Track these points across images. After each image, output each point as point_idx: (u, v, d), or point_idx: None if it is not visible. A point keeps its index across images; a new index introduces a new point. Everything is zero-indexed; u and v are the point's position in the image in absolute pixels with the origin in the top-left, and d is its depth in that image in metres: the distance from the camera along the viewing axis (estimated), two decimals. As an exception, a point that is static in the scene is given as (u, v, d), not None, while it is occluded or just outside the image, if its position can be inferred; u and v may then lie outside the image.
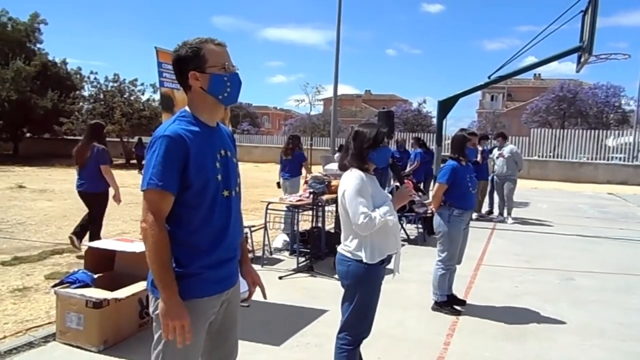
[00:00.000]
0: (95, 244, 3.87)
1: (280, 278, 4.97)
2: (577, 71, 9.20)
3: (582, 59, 8.44)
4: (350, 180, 2.49)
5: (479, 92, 44.61)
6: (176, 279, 1.65)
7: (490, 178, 9.65)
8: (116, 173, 20.35)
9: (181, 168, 1.63)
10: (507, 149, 9.18)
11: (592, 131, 22.73)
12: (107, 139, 24.42)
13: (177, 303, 1.62)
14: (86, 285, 3.38)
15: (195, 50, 1.71)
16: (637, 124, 27.58)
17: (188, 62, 1.71)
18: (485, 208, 9.76)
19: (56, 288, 3.39)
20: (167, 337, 1.63)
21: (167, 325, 1.62)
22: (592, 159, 21.51)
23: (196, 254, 1.70)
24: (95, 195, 5.61)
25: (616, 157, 21.65)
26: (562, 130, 24.03)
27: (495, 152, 9.32)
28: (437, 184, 4.27)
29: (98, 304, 3.19)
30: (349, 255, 2.52)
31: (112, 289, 3.37)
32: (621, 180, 19.32)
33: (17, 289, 4.40)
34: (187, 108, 1.77)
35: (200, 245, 1.70)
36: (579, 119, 34.07)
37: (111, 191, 5.79)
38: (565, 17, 8.23)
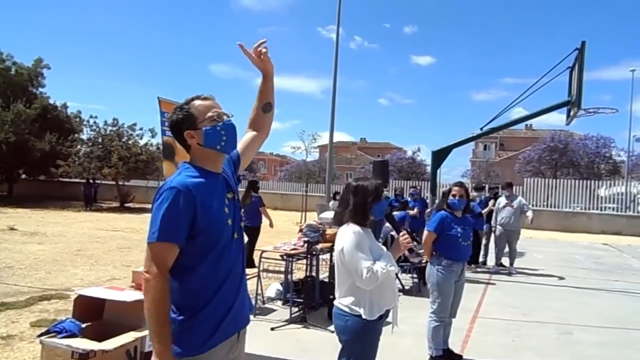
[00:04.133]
0: (85, 291, 3.80)
1: (272, 329, 4.85)
2: (567, 124, 9.44)
3: (572, 113, 8.67)
4: (348, 236, 2.47)
5: (472, 142, 45.40)
6: (177, 334, 1.64)
7: (487, 228, 9.62)
8: (110, 216, 20.08)
9: (189, 218, 1.64)
10: (517, 200, 9.15)
11: (584, 181, 22.99)
12: (103, 182, 24.70)
13: (170, 358, 1.61)
14: (73, 335, 3.29)
15: (185, 111, 1.78)
16: (628, 175, 28.02)
17: (181, 124, 1.78)
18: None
19: (42, 337, 3.29)
20: None
21: None
22: (585, 209, 21.65)
23: (199, 306, 1.68)
24: (253, 229, 8.30)
25: (609, 207, 21.81)
26: (554, 180, 24.30)
27: (502, 201, 9.21)
28: (425, 232, 4.32)
29: (84, 356, 3.08)
30: (347, 310, 2.48)
31: (100, 339, 3.27)
32: (615, 230, 19.37)
33: (1, 337, 4.27)
34: (188, 163, 1.81)
35: (204, 295, 1.69)
36: (570, 169, 34.54)
37: (265, 221, 8.73)
38: (553, 72, 8.53)
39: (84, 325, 3.43)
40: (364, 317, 2.42)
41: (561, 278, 8.70)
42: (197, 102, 1.79)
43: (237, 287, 1.79)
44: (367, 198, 2.54)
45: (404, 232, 2.42)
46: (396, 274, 6.73)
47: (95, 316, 3.69)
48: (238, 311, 1.79)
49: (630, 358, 4.55)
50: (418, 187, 11.77)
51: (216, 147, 1.78)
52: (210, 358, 1.69)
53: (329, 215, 6.33)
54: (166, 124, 3.62)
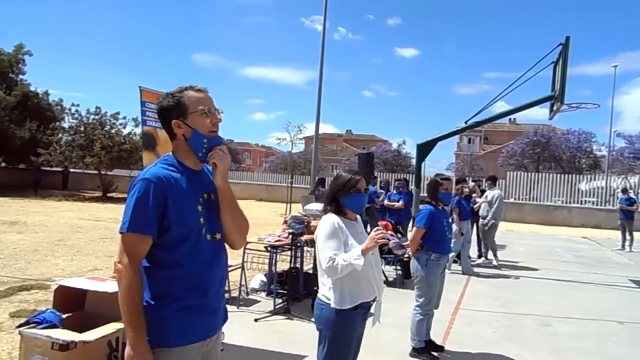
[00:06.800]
0: (66, 282, 3.74)
1: (256, 320, 4.85)
2: (550, 119, 9.54)
3: (555, 107, 8.76)
4: (324, 224, 2.52)
5: (457, 135, 45.76)
6: (151, 324, 1.63)
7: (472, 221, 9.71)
8: (93, 206, 19.81)
9: (160, 210, 1.63)
10: (492, 193, 9.27)
11: (566, 175, 23.40)
12: (85, 171, 24.28)
13: (144, 349, 1.61)
14: (53, 326, 3.24)
15: (177, 99, 1.76)
16: (609, 169, 28.57)
17: (171, 112, 1.76)
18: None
19: (21, 328, 3.24)
20: None
21: None
22: (566, 203, 22.04)
23: (172, 297, 1.67)
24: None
25: (589, 201, 22.23)
26: (537, 174, 24.67)
27: (489, 195, 9.27)
28: (415, 228, 4.30)
29: (64, 347, 3.04)
30: (323, 299, 2.51)
31: (81, 330, 3.23)
32: (595, 224, 19.76)
33: (-21, 328, 4.19)
34: (171, 153, 1.79)
35: (177, 288, 1.68)
36: (552, 163, 35.09)
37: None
38: (537, 67, 8.60)
39: (64, 316, 3.38)
40: (332, 305, 2.43)
41: (542, 270, 8.86)
42: (190, 93, 1.77)
43: (217, 289, 1.79)
44: (334, 189, 2.61)
45: (379, 227, 2.43)
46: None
47: (77, 307, 3.64)
48: (216, 311, 1.79)
49: (608, 350, 4.66)
50: (404, 180, 11.78)
51: (198, 154, 1.77)
52: (182, 353, 1.68)
53: (314, 207, 6.33)
54: (147, 113, 3.55)
